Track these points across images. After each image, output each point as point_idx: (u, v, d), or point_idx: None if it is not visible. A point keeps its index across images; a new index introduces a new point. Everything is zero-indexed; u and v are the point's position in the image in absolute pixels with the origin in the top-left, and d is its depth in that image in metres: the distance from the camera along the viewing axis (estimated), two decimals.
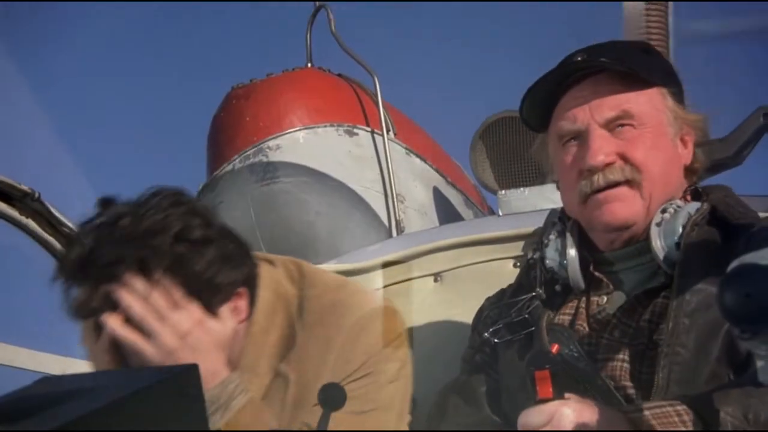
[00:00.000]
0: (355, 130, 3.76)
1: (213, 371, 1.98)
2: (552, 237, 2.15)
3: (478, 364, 2.19)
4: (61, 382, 1.23)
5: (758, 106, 3.87)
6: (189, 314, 1.97)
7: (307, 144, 3.67)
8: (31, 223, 2.90)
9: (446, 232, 3.09)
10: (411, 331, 2.29)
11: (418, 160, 3.86)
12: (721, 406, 1.71)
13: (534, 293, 2.12)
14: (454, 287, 2.83)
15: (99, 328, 1.98)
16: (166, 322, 1.95)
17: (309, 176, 3.62)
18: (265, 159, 3.66)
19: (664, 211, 2.04)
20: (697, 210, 2.03)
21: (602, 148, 2.01)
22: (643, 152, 2.03)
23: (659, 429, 1.71)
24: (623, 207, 2.03)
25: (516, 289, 2.21)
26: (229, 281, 2.02)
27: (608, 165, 2.02)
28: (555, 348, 1.98)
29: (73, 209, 3.09)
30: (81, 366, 3.11)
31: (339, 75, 4.01)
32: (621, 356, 1.97)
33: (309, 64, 3.99)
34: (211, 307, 2.01)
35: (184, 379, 1.19)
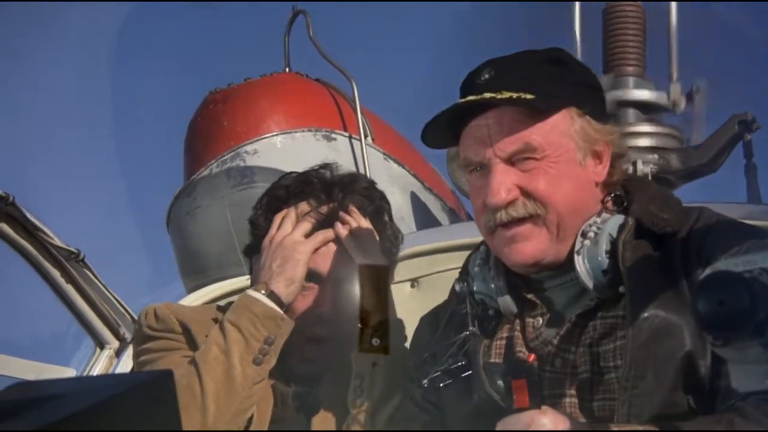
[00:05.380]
0: (333, 135, 3.76)
1: None
2: (476, 269, 2.13)
3: (415, 399, 2.19)
4: (35, 388, 1.22)
5: (732, 113, 3.91)
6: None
7: (285, 149, 3.67)
8: (5, 228, 2.87)
9: (423, 237, 3.10)
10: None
11: (395, 166, 3.86)
12: None
13: (467, 332, 2.08)
14: (430, 293, 2.84)
15: (314, 227, 2.35)
16: (369, 253, 2.33)
17: None
18: (242, 163, 3.66)
19: (583, 235, 1.99)
20: (622, 228, 1.98)
21: (503, 184, 1.97)
22: (546, 184, 1.97)
23: None
24: (529, 245, 1.98)
25: (449, 319, 2.17)
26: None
27: (510, 203, 1.98)
28: (532, 357, 1.98)
29: (49, 214, 3.07)
30: (55, 372, 3.10)
31: (317, 80, 4.01)
32: (567, 390, 1.94)
33: (287, 69, 3.99)
34: None
35: (158, 385, 1.18)
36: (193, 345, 2.32)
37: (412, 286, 2.98)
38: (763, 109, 3.91)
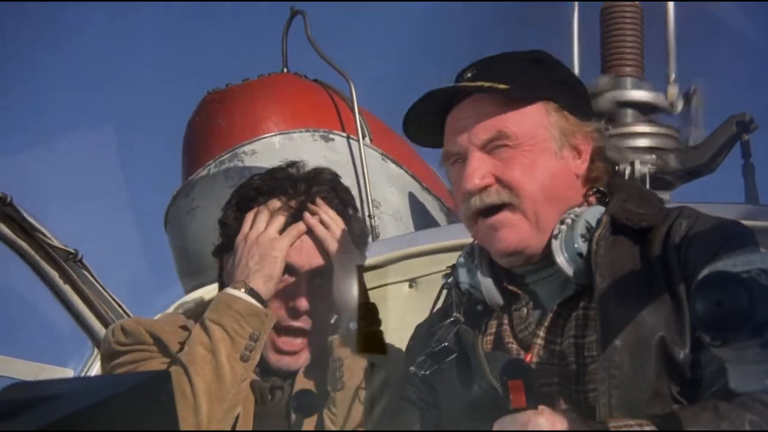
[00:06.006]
0: (331, 136, 3.76)
1: None
2: (461, 259, 2.17)
3: (411, 398, 2.20)
4: (34, 388, 1.22)
5: (730, 114, 3.91)
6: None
7: (283, 149, 3.67)
8: (3, 228, 2.87)
9: (421, 237, 3.10)
10: (385, 337, 2.31)
11: (393, 166, 3.86)
12: (690, 428, 1.69)
13: (452, 318, 2.11)
14: (429, 293, 2.82)
15: (286, 222, 2.43)
16: (340, 241, 2.41)
17: None
18: (240, 164, 3.66)
19: (562, 222, 2.03)
20: (599, 223, 2.01)
21: (477, 171, 2.02)
22: (520, 172, 2.01)
23: None
24: (511, 233, 2.02)
25: (440, 315, 2.20)
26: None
27: (484, 188, 2.02)
28: (528, 357, 1.98)
29: (47, 214, 3.07)
30: (53, 372, 3.10)
31: (315, 80, 4.01)
32: (554, 380, 1.96)
33: (285, 70, 3.99)
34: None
35: (156, 386, 1.19)
36: (166, 353, 2.32)
37: (410, 286, 2.98)
38: (761, 110, 3.92)
